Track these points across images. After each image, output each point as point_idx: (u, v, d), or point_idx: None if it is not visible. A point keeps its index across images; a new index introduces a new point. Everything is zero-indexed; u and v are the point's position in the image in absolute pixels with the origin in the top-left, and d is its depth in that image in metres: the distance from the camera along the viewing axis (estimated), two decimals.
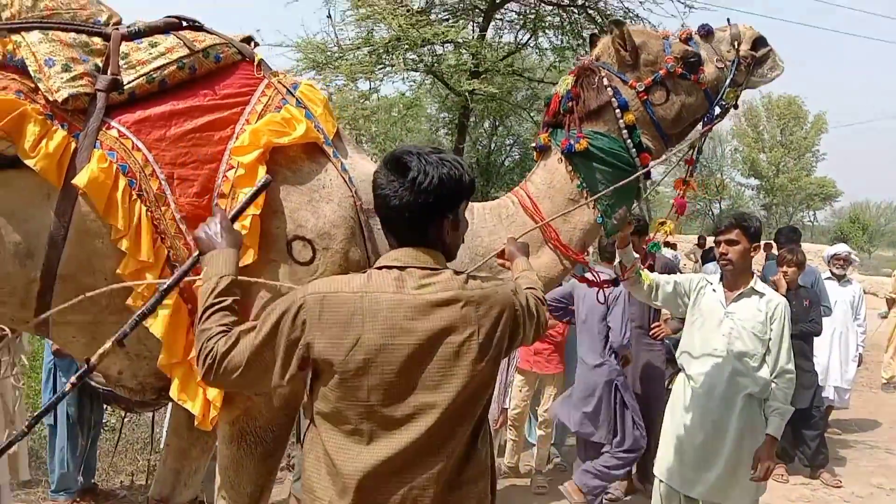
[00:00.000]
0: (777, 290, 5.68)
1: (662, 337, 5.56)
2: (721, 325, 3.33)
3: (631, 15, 7.80)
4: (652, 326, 5.43)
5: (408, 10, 6.50)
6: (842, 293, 6.93)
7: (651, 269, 3.46)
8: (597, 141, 2.51)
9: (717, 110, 2.63)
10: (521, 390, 5.49)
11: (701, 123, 2.66)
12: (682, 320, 5.63)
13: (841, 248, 7.23)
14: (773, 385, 3.22)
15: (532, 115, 11.52)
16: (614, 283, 2.92)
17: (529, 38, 8.56)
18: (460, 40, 7.10)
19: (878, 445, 6.85)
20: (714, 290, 3.42)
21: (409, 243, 1.70)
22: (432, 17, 7.21)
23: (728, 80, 2.55)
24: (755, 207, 39.82)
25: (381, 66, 6.63)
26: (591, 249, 4.61)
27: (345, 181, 2.30)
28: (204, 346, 1.61)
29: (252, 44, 2.41)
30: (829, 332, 6.56)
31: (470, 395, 1.62)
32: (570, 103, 2.52)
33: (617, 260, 3.11)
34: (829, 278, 6.93)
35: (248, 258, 2.06)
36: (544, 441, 5.47)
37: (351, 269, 2.29)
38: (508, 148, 20.47)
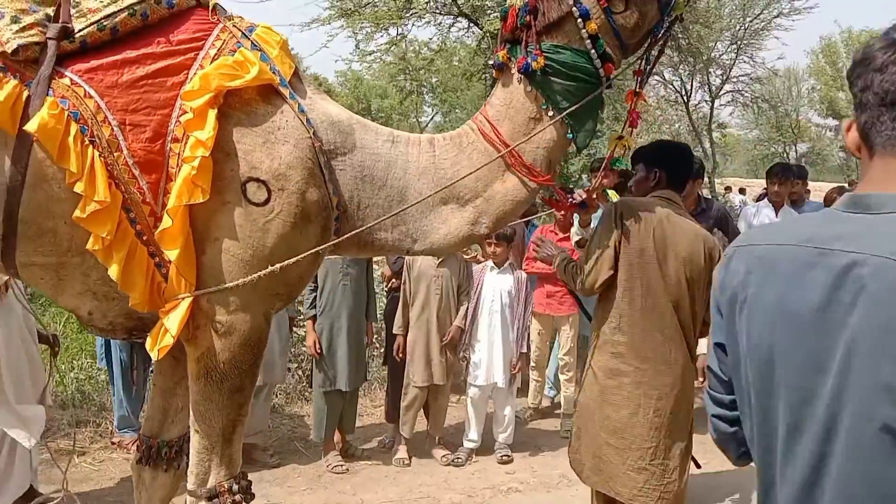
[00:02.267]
0: None
1: None
2: None
3: None
4: None
5: None
6: None
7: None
8: (558, 55, 2.44)
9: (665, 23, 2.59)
10: (539, 333, 5.52)
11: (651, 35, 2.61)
12: None
13: None
14: None
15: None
16: (581, 206, 2.84)
17: None
18: None
19: None
20: None
21: None
22: None
23: None
24: (834, 150, 38.00)
25: (408, 11, 6.55)
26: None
27: (302, 122, 2.31)
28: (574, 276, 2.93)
29: None
30: None
31: None
32: (527, 17, 2.43)
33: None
34: None
35: (198, 197, 2.12)
36: (568, 384, 5.49)
37: (309, 210, 2.32)
38: None
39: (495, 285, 4.95)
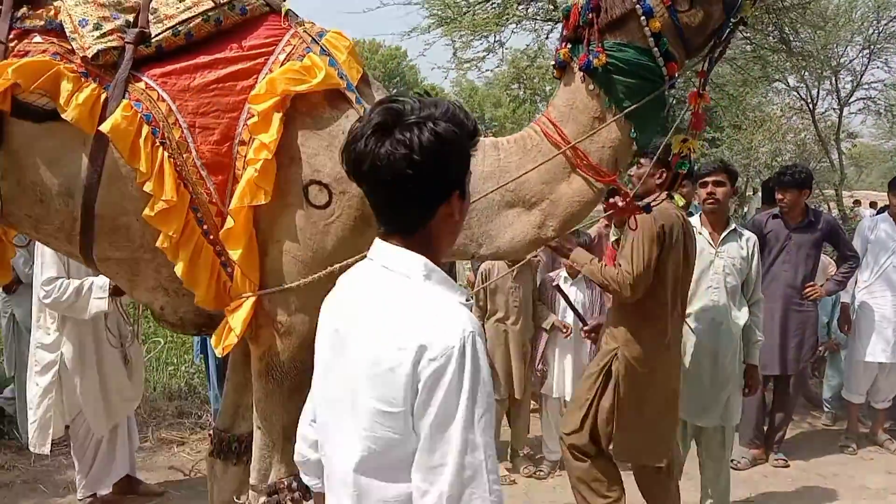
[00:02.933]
0: None
1: (815, 298, 5.14)
2: (713, 264, 3.91)
3: None
4: (806, 286, 5.04)
5: None
6: None
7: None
8: (621, 53, 2.38)
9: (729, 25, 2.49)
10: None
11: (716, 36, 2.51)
12: (840, 282, 5.15)
13: None
14: (751, 314, 3.92)
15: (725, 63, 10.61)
16: (646, 209, 2.75)
17: None
18: None
19: None
20: (700, 233, 3.89)
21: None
22: None
23: None
24: None
25: (505, 18, 6.52)
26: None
27: None
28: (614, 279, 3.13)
29: None
30: None
31: None
32: (590, 14, 2.38)
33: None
34: None
35: (260, 199, 2.16)
36: None
37: (370, 213, 2.30)
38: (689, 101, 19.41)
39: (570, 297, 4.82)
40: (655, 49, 2.37)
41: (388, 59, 44.10)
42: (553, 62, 2.60)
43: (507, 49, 7.10)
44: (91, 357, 3.94)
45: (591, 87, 2.43)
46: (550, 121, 2.50)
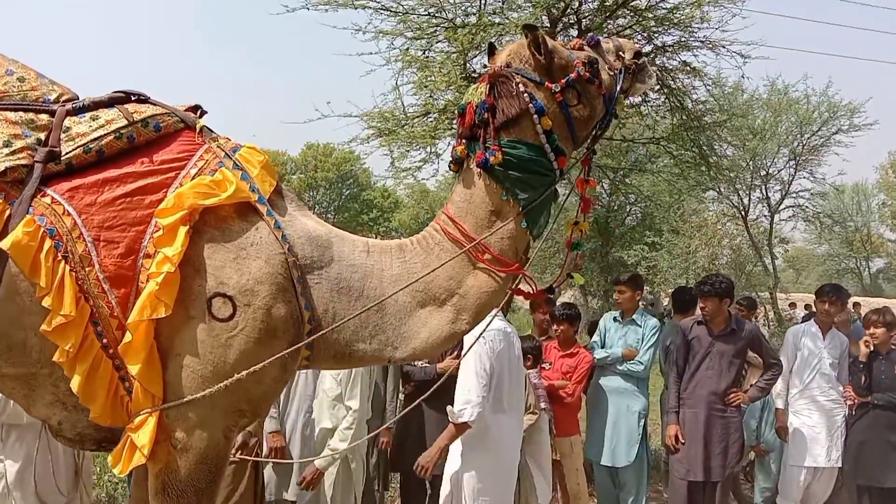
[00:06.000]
0: (859, 355, 5.25)
1: (738, 403, 5.24)
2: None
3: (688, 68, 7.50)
4: (729, 393, 5.15)
5: (467, 76, 6.63)
6: None
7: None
8: (515, 150, 2.50)
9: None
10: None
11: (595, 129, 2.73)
12: (763, 389, 5.28)
13: None
14: None
15: (655, 174, 11.15)
16: (550, 290, 2.88)
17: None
18: None
19: None
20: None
21: None
22: None
23: (618, 87, 2.63)
24: None
25: (442, 131, 6.79)
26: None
27: (276, 238, 2.36)
28: None
29: (199, 112, 2.55)
30: None
31: None
32: (485, 114, 2.50)
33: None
34: None
35: (160, 312, 2.15)
36: None
37: (276, 325, 2.33)
38: (628, 207, 20.10)
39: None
40: (547, 145, 2.51)
41: (341, 162, 44.99)
42: (450, 158, 2.70)
43: (441, 159, 7.37)
44: (32, 469, 3.75)
45: (488, 182, 2.53)
46: (450, 217, 2.58)
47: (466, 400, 3.83)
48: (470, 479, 3.94)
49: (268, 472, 4.34)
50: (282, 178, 2.64)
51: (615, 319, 5.81)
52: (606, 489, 5.49)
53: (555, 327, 5.51)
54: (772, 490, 5.97)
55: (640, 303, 6.05)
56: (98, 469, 6.10)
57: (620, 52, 2.68)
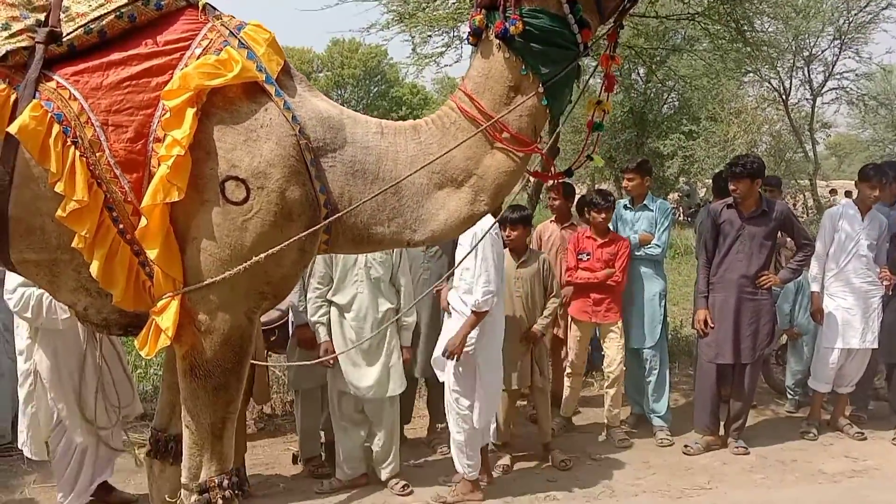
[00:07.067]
0: None
1: (769, 286, 5.20)
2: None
3: None
4: (759, 275, 5.10)
5: None
6: None
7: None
8: (536, 19, 2.35)
9: None
10: (577, 340, 5.39)
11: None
12: (795, 270, 5.22)
13: None
14: None
15: (693, 55, 10.51)
16: (568, 173, 2.75)
17: None
18: None
19: None
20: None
21: None
22: None
23: None
24: None
25: (465, 13, 6.50)
26: None
27: (287, 119, 2.30)
28: None
29: None
30: None
31: None
32: None
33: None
34: None
35: (173, 196, 2.14)
36: (615, 399, 5.33)
37: (290, 208, 2.31)
38: (665, 95, 19.44)
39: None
40: (570, 16, 2.36)
41: (368, 58, 43.99)
42: (467, 31, 2.55)
43: (465, 44, 7.07)
44: (66, 366, 3.88)
45: (508, 55, 2.40)
46: (467, 94, 2.48)
47: (488, 290, 4.19)
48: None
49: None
50: (308, 76, 2.55)
51: (626, 207, 5.73)
52: (632, 371, 5.55)
53: (594, 215, 5.41)
54: (804, 373, 5.97)
55: (673, 193, 6.01)
56: (144, 363, 6.37)
57: None
